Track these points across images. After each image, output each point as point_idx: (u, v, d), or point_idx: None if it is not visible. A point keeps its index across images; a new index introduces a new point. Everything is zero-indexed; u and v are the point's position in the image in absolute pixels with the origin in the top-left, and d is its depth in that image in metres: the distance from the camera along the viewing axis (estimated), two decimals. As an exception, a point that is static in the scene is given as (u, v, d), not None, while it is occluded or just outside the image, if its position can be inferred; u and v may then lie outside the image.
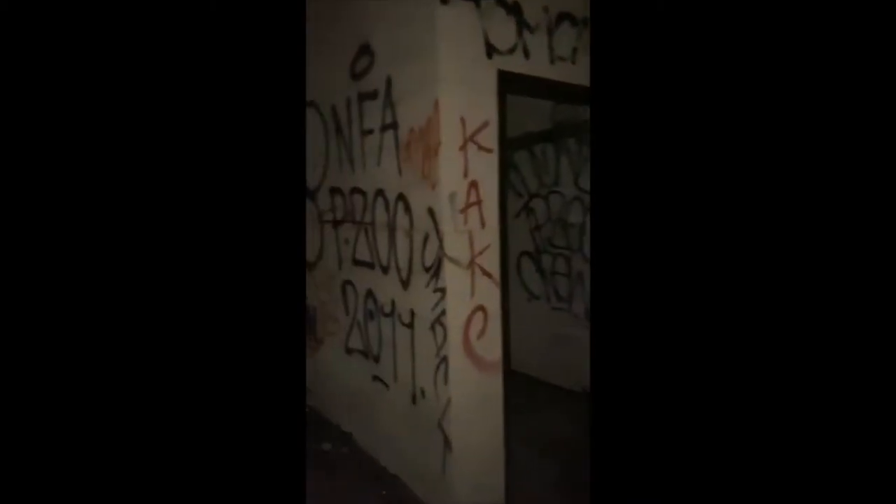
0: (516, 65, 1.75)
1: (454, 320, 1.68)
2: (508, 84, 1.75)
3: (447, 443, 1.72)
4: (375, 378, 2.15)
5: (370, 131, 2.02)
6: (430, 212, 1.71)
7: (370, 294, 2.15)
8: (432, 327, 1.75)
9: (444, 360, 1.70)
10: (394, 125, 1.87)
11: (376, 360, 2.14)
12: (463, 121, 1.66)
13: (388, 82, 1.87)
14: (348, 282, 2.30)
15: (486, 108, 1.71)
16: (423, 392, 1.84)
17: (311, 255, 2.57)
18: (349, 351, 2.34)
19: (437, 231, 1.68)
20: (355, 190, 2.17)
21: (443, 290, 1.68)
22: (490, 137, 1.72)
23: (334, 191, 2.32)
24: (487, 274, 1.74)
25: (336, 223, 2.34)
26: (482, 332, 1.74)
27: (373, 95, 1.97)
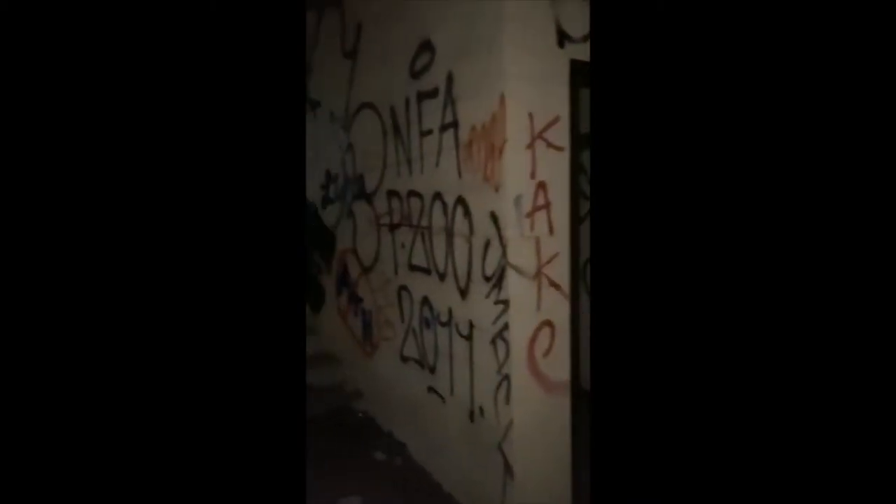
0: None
1: (518, 335, 1.54)
2: (582, 75, 1.58)
3: (508, 468, 1.58)
4: (431, 390, 2.06)
5: (429, 132, 1.93)
6: (493, 216, 1.58)
7: (426, 301, 2.06)
8: (493, 342, 1.62)
9: (506, 378, 1.56)
10: (454, 124, 1.76)
11: (432, 370, 2.05)
12: (531, 116, 1.51)
13: (450, 78, 1.77)
14: (404, 287, 2.23)
15: (556, 102, 1.55)
16: (481, 410, 1.72)
17: (368, 258, 2.54)
18: (404, 359, 2.27)
19: (501, 237, 1.55)
20: (412, 193, 2.09)
21: (505, 303, 1.54)
22: (561, 134, 1.56)
23: (391, 193, 2.26)
24: (555, 285, 1.58)
25: (392, 227, 2.28)
26: (549, 350, 1.58)
27: (432, 94, 1.87)
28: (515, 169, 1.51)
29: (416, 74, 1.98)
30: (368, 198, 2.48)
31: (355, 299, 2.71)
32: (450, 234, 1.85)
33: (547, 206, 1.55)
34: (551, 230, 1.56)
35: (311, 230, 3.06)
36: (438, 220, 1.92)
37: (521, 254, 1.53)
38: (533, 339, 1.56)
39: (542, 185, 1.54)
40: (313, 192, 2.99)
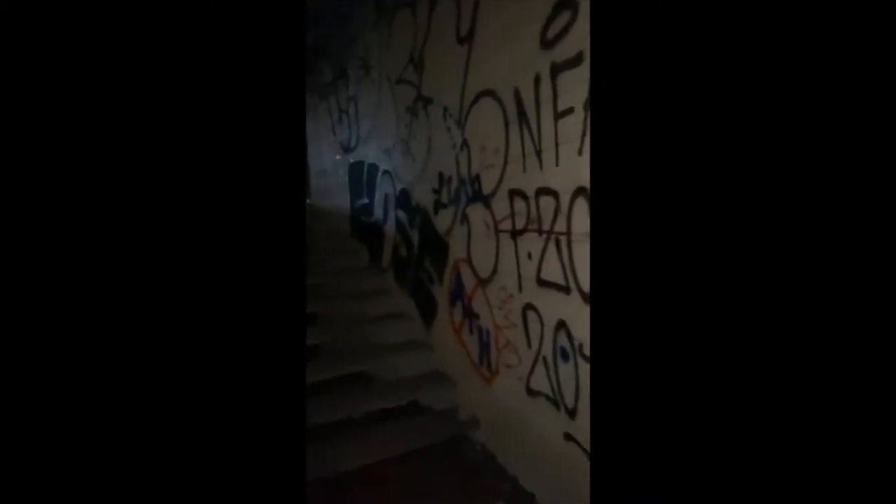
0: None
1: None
2: None
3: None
4: (569, 438, 1.63)
5: (568, 111, 1.52)
6: (676, 217, 1.11)
7: (562, 326, 1.64)
8: (676, 396, 1.14)
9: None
10: (608, 95, 1.33)
11: (571, 414, 1.62)
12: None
13: (600, 36, 1.34)
14: (531, 306, 1.84)
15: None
16: (652, 486, 1.24)
17: (484, 269, 2.21)
18: (532, 392, 1.88)
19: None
20: (543, 191, 1.71)
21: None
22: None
23: (514, 193, 1.90)
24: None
25: (515, 233, 1.92)
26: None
27: (573, 62, 1.47)
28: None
29: (549, 43, 1.59)
30: (486, 200, 2.15)
31: (470, 314, 2.41)
32: (598, 241, 1.41)
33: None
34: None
35: (423, 237, 2.86)
36: (581, 223, 1.50)
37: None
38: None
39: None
40: (425, 196, 2.79)
